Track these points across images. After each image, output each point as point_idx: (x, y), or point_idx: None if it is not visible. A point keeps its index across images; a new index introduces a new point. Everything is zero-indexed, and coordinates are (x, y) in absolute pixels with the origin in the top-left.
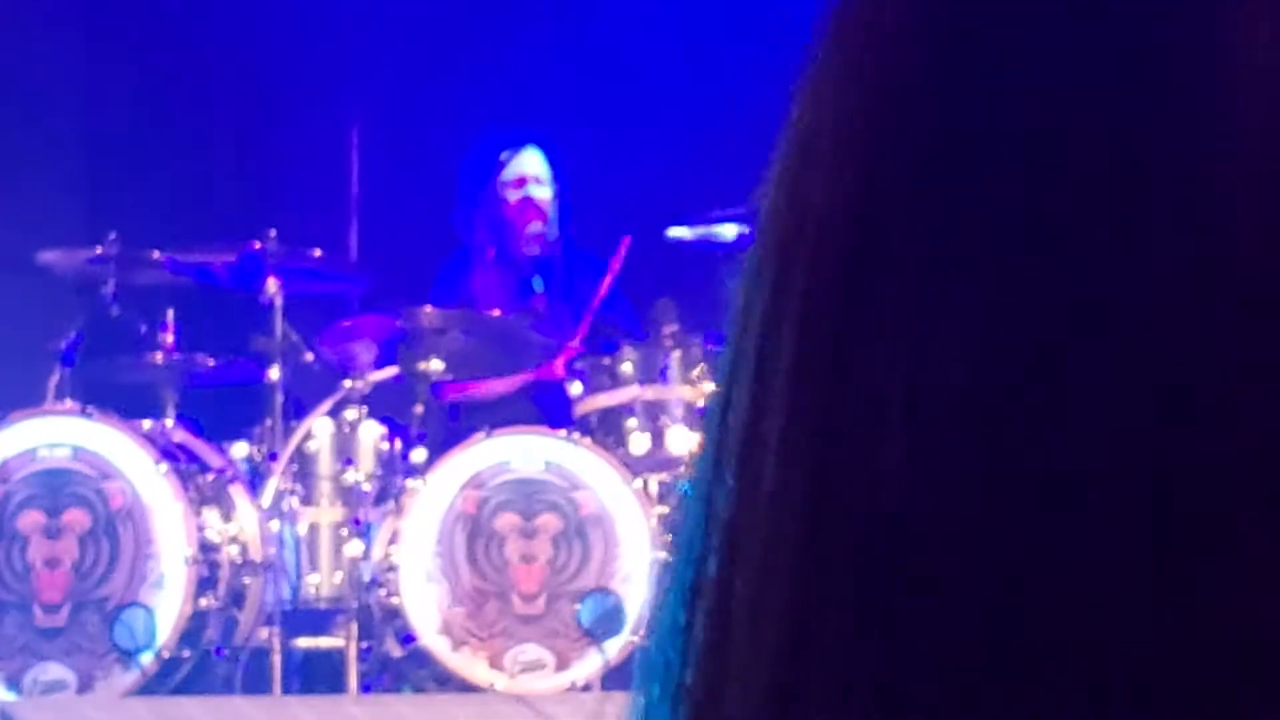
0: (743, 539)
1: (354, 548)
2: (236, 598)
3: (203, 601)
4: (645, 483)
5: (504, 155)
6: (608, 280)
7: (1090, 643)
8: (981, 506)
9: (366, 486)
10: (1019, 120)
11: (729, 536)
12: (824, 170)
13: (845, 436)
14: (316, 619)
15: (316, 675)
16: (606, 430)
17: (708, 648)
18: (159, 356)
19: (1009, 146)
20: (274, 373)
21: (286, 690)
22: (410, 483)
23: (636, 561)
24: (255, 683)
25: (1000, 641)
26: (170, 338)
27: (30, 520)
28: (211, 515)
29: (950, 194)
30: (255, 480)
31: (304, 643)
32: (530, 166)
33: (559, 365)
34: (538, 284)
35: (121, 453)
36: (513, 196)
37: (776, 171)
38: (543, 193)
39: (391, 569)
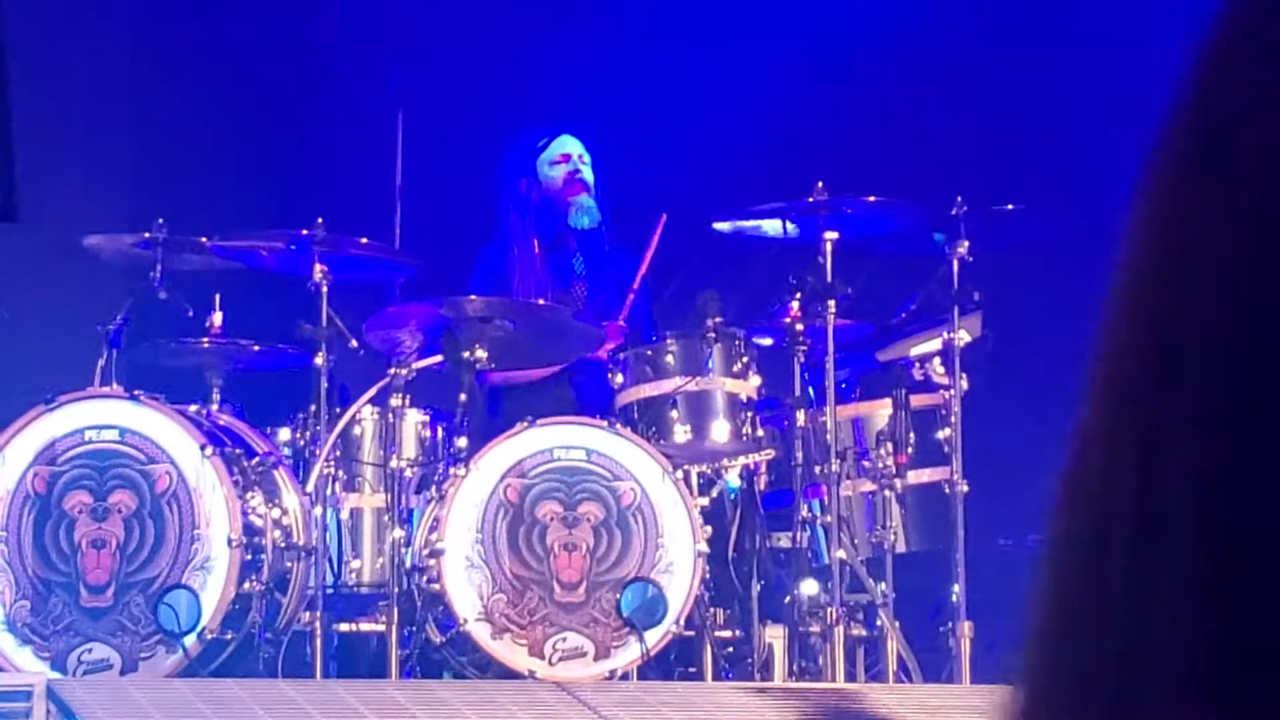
0: (1155, 639)
1: (396, 534)
2: (280, 581)
3: (246, 585)
4: (686, 474)
5: (544, 140)
6: (648, 256)
7: None
8: None
9: (409, 473)
10: None
11: (1132, 627)
12: (1205, 293)
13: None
14: (358, 604)
15: (357, 659)
16: (649, 421)
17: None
18: (205, 341)
19: None
20: (319, 359)
21: (327, 674)
22: (453, 470)
23: (677, 552)
24: (297, 666)
25: None
26: (217, 322)
27: (77, 501)
28: (256, 499)
29: None
30: (299, 465)
31: (345, 627)
32: (573, 147)
33: (603, 348)
34: (579, 264)
35: (168, 436)
36: (558, 173)
37: (1138, 275)
38: (586, 171)
39: (433, 555)
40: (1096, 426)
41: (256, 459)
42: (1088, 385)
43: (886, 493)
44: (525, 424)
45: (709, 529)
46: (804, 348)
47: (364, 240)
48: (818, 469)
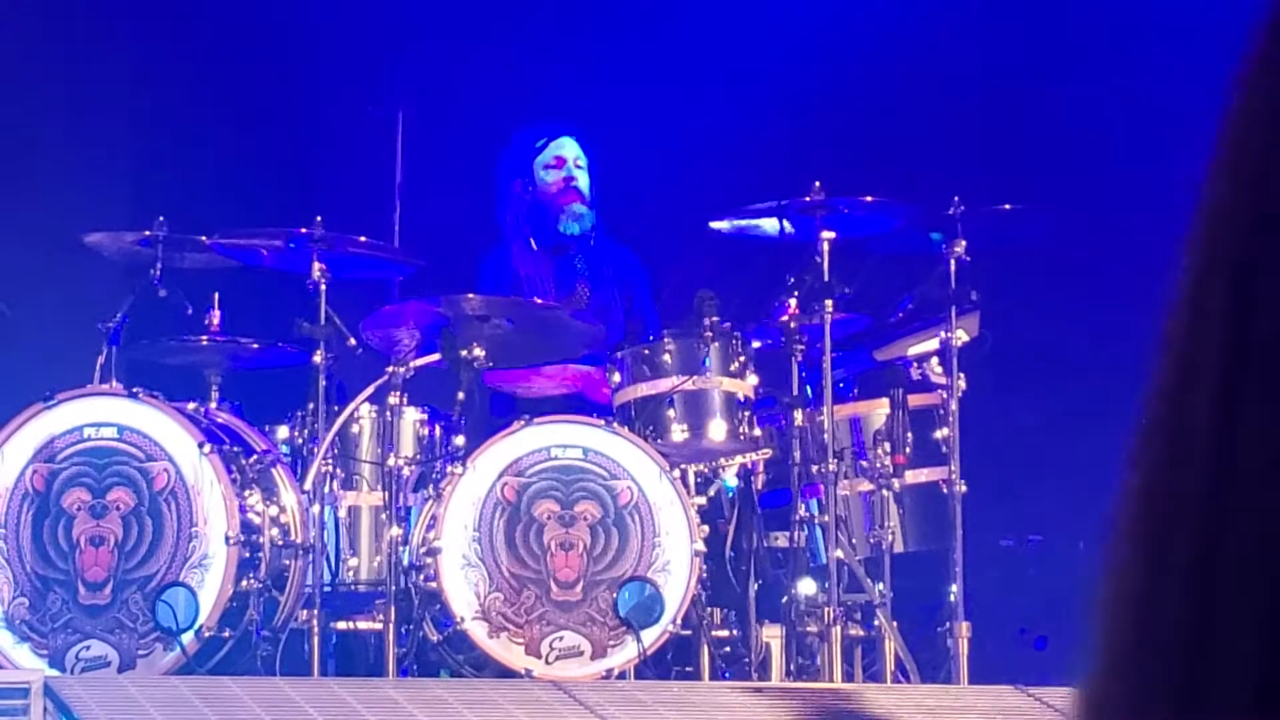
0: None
1: (394, 532)
2: (277, 579)
3: (244, 583)
4: (684, 472)
5: (541, 141)
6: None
7: None
8: None
9: (407, 471)
10: None
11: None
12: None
13: None
14: (356, 602)
15: (355, 657)
16: (646, 420)
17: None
18: (204, 339)
19: None
20: (318, 357)
21: (325, 672)
22: (451, 468)
23: (674, 551)
24: (294, 664)
25: None
26: (216, 320)
27: (76, 498)
28: (254, 497)
29: None
30: (297, 463)
31: (343, 625)
32: (569, 151)
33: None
34: (580, 264)
35: (166, 433)
36: (552, 177)
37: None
38: (582, 176)
39: (430, 553)
40: (1186, 284)
41: (254, 457)
42: (1179, 271)
43: (884, 492)
44: (522, 422)
45: (706, 528)
46: (801, 347)
47: (363, 239)
48: (815, 468)
